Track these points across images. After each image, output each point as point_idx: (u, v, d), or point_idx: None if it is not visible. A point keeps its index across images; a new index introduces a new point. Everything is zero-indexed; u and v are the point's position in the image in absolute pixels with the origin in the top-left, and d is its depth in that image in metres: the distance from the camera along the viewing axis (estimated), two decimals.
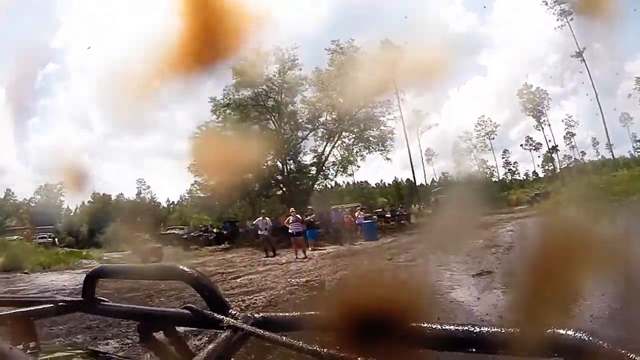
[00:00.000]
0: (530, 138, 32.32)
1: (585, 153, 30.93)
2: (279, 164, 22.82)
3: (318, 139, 23.54)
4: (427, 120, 29.40)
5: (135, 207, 28.98)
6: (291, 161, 23.03)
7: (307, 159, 23.81)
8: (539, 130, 30.89)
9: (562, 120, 30.81)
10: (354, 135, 23.19)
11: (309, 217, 15.07)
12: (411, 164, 29.22)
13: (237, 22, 0.82)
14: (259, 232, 14.29)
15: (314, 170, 23.64)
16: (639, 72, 27.88)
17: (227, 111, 21.70)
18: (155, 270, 0.84)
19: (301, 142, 23.40)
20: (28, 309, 0.85)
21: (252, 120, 22.12)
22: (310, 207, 21.71)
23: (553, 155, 30.98)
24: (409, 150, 28.63)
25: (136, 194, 30.61)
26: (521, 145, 32.58)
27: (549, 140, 30.96)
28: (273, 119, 22.56)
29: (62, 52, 45.49)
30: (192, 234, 22.71)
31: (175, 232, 22.36)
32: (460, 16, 39.64)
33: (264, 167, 20.91)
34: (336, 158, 24.02)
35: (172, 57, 0.82)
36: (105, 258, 15.74)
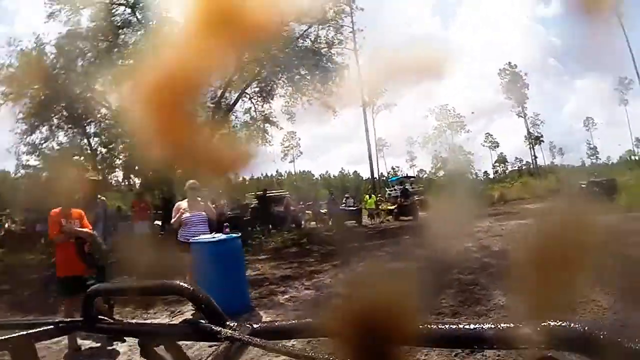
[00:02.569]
0: (490, 135, 32.77)
1: (537, 157, 31.45)
2: None
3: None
4: (383, 99, 25.91)
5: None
6: None
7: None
8: (521, 117, 30.58)
9: (528, 118, 30.88)
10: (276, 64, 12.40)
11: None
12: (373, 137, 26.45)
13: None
14: None
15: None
16: None
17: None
18: (153, 287, 0.85)
19: None
20: (29, 331, 0.85)
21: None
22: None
23: (535, 145, 30.89)
24: (365, 117, 25.48)
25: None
26: (482, 143, 32.93)
27: (533, 129, 30.58)
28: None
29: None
30: None
31: None
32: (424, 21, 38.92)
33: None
34: (255, 105, 14.11)
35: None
36: None
